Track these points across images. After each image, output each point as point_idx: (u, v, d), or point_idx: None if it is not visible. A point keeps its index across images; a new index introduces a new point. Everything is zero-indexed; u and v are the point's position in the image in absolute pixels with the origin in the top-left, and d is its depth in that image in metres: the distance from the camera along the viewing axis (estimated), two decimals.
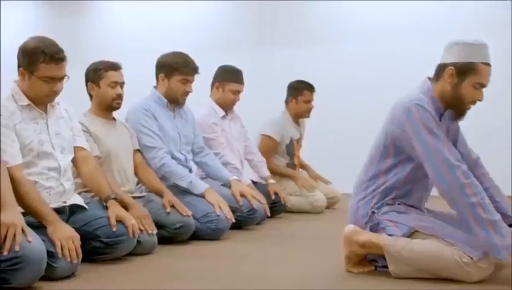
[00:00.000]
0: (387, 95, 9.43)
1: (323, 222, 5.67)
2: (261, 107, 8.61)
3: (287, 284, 3.63)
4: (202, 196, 5.34)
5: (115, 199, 4.32)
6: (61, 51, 3.99)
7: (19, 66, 4.04)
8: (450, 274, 3.56)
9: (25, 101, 4.01)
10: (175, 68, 5.56)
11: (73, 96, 11.19)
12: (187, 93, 5.61)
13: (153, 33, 11.10)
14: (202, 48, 10.60)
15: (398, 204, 3.86)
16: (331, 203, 7.61)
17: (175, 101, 5.64)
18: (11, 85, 4.08)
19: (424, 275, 3.64)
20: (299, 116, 7.55)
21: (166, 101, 5.62)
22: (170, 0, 11.00)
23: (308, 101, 7.48)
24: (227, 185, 5.84)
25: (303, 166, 7.88)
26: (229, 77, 6.48)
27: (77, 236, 3.70)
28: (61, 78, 4.02)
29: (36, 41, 3.98)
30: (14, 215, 3.35)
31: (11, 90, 4.06)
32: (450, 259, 3.52)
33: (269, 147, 7.26)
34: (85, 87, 5.12)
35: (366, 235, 3.83)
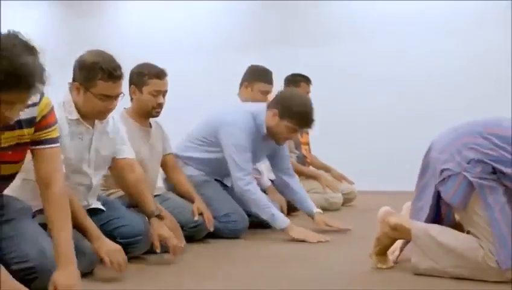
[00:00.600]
0: (400, 92, 9.53)
1: (340, 219, 5.65)
2: None
3: (308, 281, 3.64)
4: (284, 231, 5.16)
5: (158, 215, 4.26)
6: (119, 67, 3.87)
7: (74, 80, 3.95)
8: (469, 274, 3.55)
9: (75, 116, 3.96)
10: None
11: None
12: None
13: (166, 34, 11.12)
14: (216, 48, 10.63)
15: None
16: (348, 200, 7.60)
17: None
18: (65, 92, 4.01)
19: (443, 274, 3.62)
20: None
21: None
22: (182, 0, 11.01)
23: (306, 93, 7.34)
24: (310, 215, 5.64)
25: (325, 168, 7.83)
26: (258, 77, 6.36)
27: (121, 248, 3.68)
28: (117, 96, 3.94)
29: (95, 56, 3.85)
30: (71, 275, 3.01)
31: (64, 98, 3.99)
32: (473, 259, 3.51)
33: None
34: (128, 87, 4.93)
35: (398, 218, 3.85)
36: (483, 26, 9.11)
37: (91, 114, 3.98)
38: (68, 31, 12.04)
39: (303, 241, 5.00)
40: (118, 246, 3.69)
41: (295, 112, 5.03)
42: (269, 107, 5.24)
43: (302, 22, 10.24)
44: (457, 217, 3.76)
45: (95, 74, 3.83)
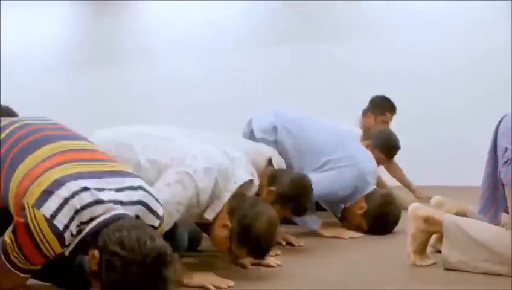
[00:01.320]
0: (425, 87, 9.41)
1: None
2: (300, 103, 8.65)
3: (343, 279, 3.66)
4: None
5: None
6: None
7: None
8: (500, 270, 3.55)
9: None
10: None
11: (107, 96, 11.28)
12: None
13: (191, 33, 11.08)
14: (240, 45, 10.61)
15: None
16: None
17: None
18: None
19: (473, 269, 3.63)
20: (368, 132, 6.90)
21: None
22: (202, 0, 10.96)
23: (386, 123, 7.10)
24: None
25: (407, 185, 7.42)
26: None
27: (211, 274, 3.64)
28: None
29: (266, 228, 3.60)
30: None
31: None
32: (505, 254, 3.51)
33: None
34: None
35: (429, 210, 3.87)
36: (492, 20, 9.11)
37: None
38: (90, 30, 12.07)
39: (335, 237, 5.06)
40: (208, 273, 3.67)
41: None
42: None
43: (321, 19, 10.17)
44: (503, 219, 3.70)
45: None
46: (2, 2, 11.68)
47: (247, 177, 3.77)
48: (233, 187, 3.65)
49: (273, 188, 4.46)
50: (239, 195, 3.68)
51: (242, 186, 3.72)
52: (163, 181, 3.46)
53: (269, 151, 4.80)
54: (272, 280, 3.69)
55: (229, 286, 3.49)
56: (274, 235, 3.67)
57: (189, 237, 4.20)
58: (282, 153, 5.13)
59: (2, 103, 4.78)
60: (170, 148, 3.63)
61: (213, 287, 3.44)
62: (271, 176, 4.54)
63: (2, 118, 3.34)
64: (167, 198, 3.34)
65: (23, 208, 2.64)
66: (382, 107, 7.12)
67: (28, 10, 12.29)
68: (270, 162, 4.70)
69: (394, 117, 7.15)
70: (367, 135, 6.77)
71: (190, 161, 3.50)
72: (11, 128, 3.08)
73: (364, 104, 7.20)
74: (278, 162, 4.80)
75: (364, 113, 7.15)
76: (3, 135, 3.04)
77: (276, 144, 5.28)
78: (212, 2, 10.84)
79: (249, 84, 9.38)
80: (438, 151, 9.15)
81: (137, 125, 4.12)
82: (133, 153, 3.65)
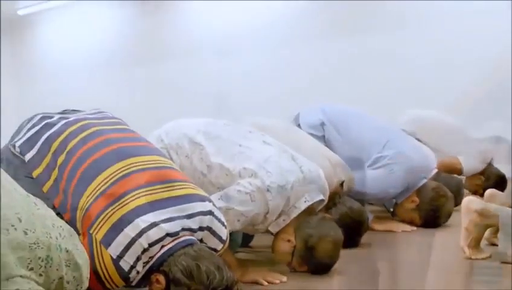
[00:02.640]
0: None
1: None
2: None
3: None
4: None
5: None
6: None
7: None
8: None
9: None
10: None
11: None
12: None
13: (233, 32, 11.08)
14: (285, 42, 10.57)
15: None
16: None
17: None
18: None
19: None
20: None
21: None
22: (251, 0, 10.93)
23: None
24: None
25: None
26: None
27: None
28: None
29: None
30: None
31: None
32: None
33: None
34: None
35: (483, 203, 3.84)
36: None
37: None
38: (136, 31, 12.16)
39: (388, 231, 5.05)
40: (261, 268, 3.69)
41: None
42: None
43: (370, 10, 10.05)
44: None
45: None
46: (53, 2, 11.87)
47: (318, 198, 3.72)
48: (303, 206, 3.62)
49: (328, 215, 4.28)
50: (307, 212, 3.65)
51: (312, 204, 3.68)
52: (236, 186, 3.44)
53: (344, 174, 4.64)
54: (326, 277, 3.65)
55: (281, 281, 3.49)
56: (337, 255, 3.66)
57: (243, 234, 4.21)
58: (328, 148, 5.05)
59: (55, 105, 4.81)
60: (243, 157, 3.59)
61: (266, 282, 3.45)
62: (331, 200, 4.37)
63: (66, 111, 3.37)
64: (233, 205, 3.35)
65: (91, 241, 2.63)
66: None
67: (79, 10, 12.45)
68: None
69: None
70: None
71: (264, 176, 3.45)
72: (84, 134, 3.05)
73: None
74: (349, 187, 4.72)
75: None
76: (77, 139, 3.03)
77: (324, 139, 5.27)
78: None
79: (304, 78, 9.32)
80: None
81: (203, 119, 4.06)
82: (205, 154, 3.65)
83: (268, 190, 3.42)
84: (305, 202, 3.62)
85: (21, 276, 2.06)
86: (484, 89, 8.23)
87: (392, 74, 9.47)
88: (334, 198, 4.31)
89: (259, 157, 3.59)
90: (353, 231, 4.27)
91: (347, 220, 4.24)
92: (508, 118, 7.23)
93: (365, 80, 9.62)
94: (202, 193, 2.97)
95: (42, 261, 2.13)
